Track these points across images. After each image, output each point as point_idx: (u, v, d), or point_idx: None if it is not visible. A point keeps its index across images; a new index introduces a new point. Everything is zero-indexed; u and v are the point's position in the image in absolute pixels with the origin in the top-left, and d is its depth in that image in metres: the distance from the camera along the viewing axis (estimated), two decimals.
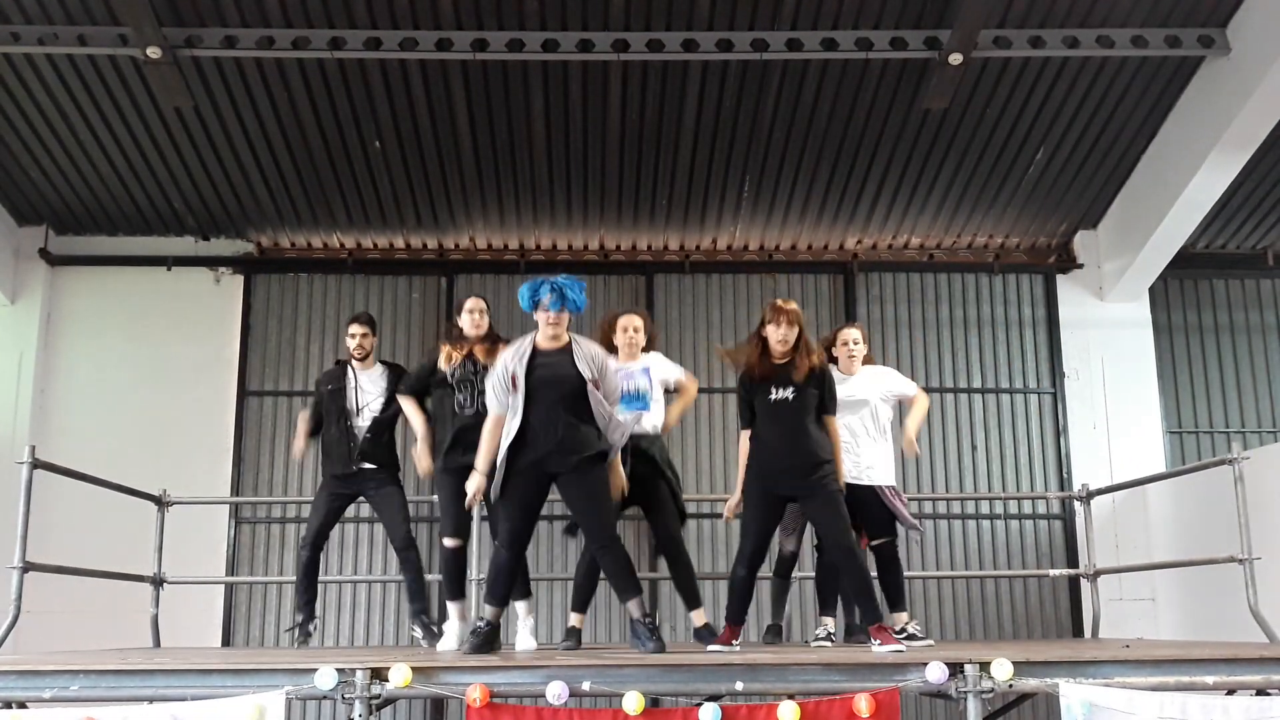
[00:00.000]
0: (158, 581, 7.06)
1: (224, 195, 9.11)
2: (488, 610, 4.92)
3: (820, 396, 5.30)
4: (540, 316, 4.95)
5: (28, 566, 5.64)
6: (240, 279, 9.67)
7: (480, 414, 5.28)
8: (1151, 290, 9.76)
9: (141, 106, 8.16)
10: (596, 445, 4.89)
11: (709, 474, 9.34)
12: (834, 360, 6.05)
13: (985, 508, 9.47)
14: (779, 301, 5.36)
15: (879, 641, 4.90)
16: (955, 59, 7.53)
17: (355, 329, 6.32)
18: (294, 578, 8.98)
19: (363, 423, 6.23)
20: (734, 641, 5.15)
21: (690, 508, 6.94)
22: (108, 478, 6.54)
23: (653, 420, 5.69)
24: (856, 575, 5.16)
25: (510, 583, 5.00)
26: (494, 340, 5.74)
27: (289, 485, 9.35)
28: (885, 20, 7.58)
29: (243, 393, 9.45)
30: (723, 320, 9.72)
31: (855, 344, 6.09)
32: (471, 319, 5.81)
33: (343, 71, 7.85)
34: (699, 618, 5.51)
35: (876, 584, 5.67)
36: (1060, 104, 8.30)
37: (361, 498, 6.45)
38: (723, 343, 9.61)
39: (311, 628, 6.27)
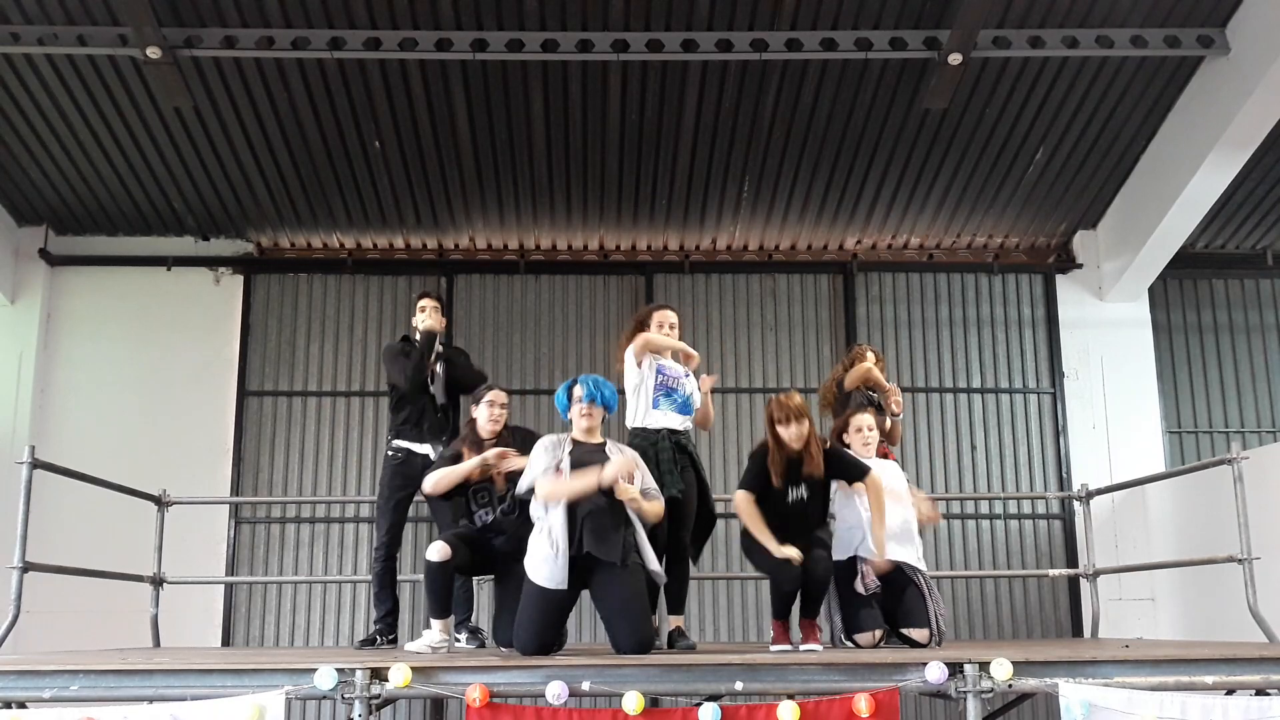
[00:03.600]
0: (158, 581, 7.05)
1: (224, 195, 9.11)
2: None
3: (838, 477, 5.22)
4: (575, 410, 4.93)
5: (27, 566, 5.64)
6: (240, 279, 9.67)
7: (498, 520, 5.20)
8: (1151, 290, 9.77)
9: (141, 106, 8.16)
10: (631, 547, 4.70)
11: (710, 474, 9.32)
12: (845, 445, 5.70)
13: (985, 508, 9.47)
14: (782, 398, 5.13)
15: (803, 639, 5.03)
16: (955, 59, 7.53)
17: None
18: (292, 578, 9.09)
19: None
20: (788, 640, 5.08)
21: None
22: (108, 478, 6.53)
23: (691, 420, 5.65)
24: (817, 571, 5.08)
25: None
26: (508, 440, 5.35)
27: (289, 485, 9.35)
28: (885, 20, 7.58)
29: (243, 393, 9.45)
30: (722, 320, 9.72)
31: (870, 430, 5.66)
32: (491, 413, 5.35)
33: (342, 71, 7.86)
34: (677, 621, 5.48)
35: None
36: (1060, 104, 8.30)
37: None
38: (721, 342, 9.63)
39: (385, 641, 5.89)
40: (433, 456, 5.87)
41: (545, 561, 4.58)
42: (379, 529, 6.10)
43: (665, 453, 5.33)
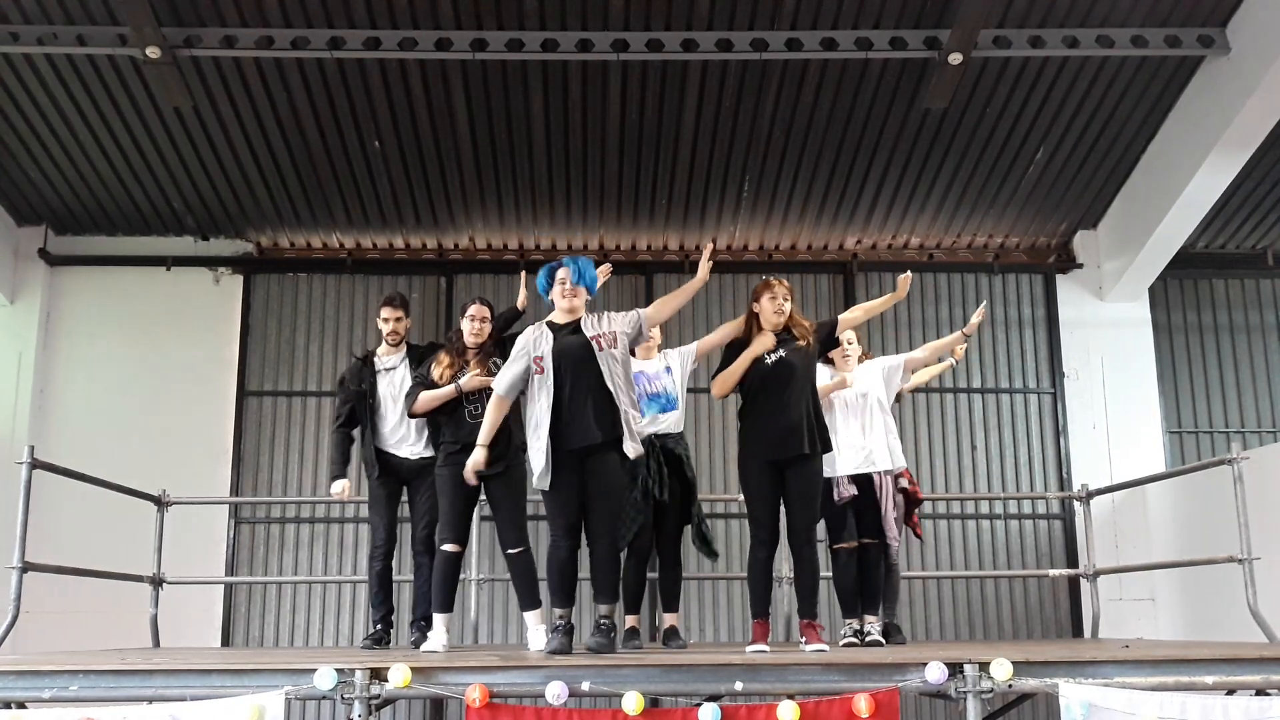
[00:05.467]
0: (157, 581, 7.05)
1: (223, 195, 9.11)
2: (561, 611, 4.73)
3: (824, 341, 5.39)
4: (557, 290, 4.90)
5: (27, 566, 5.64)
6: (240, 279, 9.67)
7: None
8: (1151, 290, 9.77)
9: (141, 106, 8.16)
10: (618, 427, 4.75)
11: (710, 474, 9.33)
12: (829, 362, 5.91)
13: (985, 508, 9.47)
14: (769, 278, 5.31)
15: (805, 639, 4.90)
16: (955, 59, 7.53)
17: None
18: (292, 578, 9.09)
19: None
20: (767, 640, 4.97)
21: None
22: (108, 478, 6.53)
23: (677, 420, 5.64)
24: (809, 568, 5.04)
25: (574, 576, 4.84)
26: (490, 351, 5.58)
27: (288, 485, 9.35)
28: (885, 20, 7.58)
29: (242, 393, 9.45)
30: (722, 320, 9.66)
31: (850, 344, 5.92)
32: (472, 326, 5.60)
33: (342, 71, 7.86)
34: (672, 619, 5.56)
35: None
36: (1060, 104, 8.30)
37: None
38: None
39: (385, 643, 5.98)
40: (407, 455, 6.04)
41: (535, 454, 4.77)
42: (374, 530, 6.14)
43: (653, 463, 5.44)
